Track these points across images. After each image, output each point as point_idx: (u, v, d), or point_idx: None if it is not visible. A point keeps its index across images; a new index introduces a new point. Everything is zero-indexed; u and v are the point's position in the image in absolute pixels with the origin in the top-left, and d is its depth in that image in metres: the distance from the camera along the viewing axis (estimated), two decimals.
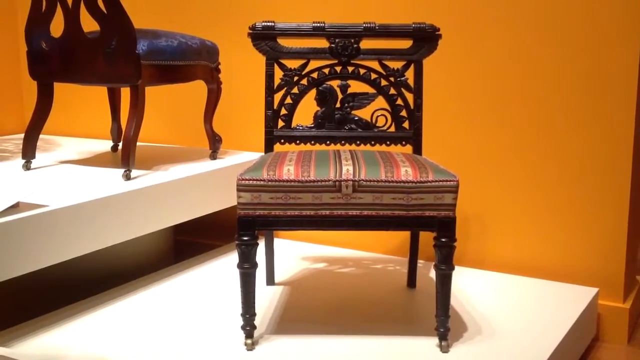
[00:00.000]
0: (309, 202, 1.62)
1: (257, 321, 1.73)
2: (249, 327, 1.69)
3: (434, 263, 1.68)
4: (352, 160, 1.68)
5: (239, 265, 1.66)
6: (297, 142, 1.94)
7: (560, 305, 2.00)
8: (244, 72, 2.61)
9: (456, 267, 1.71)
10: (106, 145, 2.76)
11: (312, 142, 1.94)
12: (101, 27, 2.08)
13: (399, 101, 1.94)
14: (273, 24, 1.91)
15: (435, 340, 1.71)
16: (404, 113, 1.94)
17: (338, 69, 1.93)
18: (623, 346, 2.13)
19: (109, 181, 2.08)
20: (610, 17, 2.06)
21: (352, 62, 1.93)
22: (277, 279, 2.16)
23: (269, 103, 1.93)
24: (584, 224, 2.17)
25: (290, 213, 1.63)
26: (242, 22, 2.44)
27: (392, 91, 1.94)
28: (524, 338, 1.78)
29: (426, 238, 1.89)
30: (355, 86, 1.94)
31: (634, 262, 2.29)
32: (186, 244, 2.71)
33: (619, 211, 2.11)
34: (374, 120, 1.94)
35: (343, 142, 1.94)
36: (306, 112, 1.96)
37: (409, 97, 1.94)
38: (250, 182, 1.62)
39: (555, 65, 2.15)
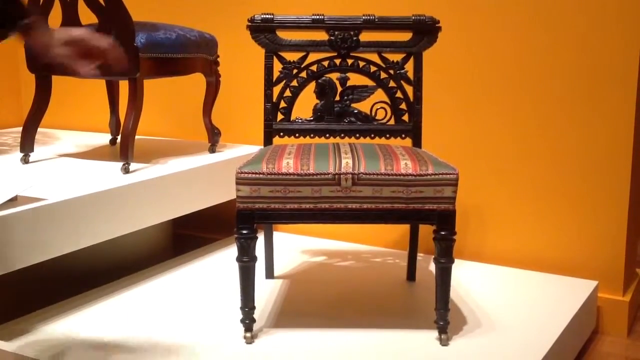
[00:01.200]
0: (308, 196, 1.62)
1: (257, 314, 1.73)
2: (248, 321, 1.69)
3: (433, 256, 1.68)
4: (351, 154, 1.68)
5: (238, 259, 1.66)
6: (297, 135, 1.94)
7: (560, 298, 2.00)
8: (242, 64, 2.60)
9: (456, 260, 1.71)
10: (105, 138, 2.75)
11: (312, 135, 1.94)
12: (99, 19, 2.07)
13: (399, 94, 1.93)
14: (272, 16, 1.90)
15: (434, 334, 1.71)
16: (403, 106, 1.93)
17: (337, 61, 1.92)
18: (623, 339, 2.13)
19: (108, 174, 2.07)
20: (611, 12, 2.05)
21: (351, 54, 1.92)
22: (276, 273, 2.15)
23: (268, 96, 1.92)
24: (583, 217, 2.16)
25: (290, 206, 1.63)
26: (241, 14, 2.42)
27: (392, 84, 1.93)
28: (523, 331, 1.78)
29: (426, 231, 1.89)
30: (355, 79, 1.93)
31: (634, 255, 2.29)
32: (185, 237, 2.70)
33: (618, 204, 2.11)
34: (373, 113, 1.93)
35: (342, 135, 1.94)
36: (305, 105, 1.95)
37: (409, 89, 1.93)
38: (250, 175, 1.61)
39: (556, 60, 2.14)
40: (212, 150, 2.44)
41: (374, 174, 1.61)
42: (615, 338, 2.13)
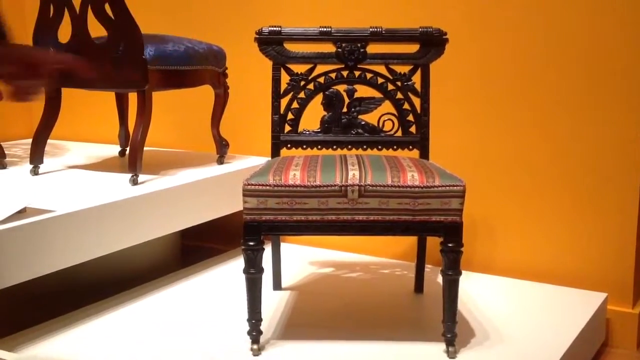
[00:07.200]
0: (315, 207, 1.62)
1: (264, 326, 1.73)
2: (255, 333, 1.69)
3: (441, 268, 1.67)
4: (358, 165, 1.68)
5: (245, 271, 1.66)
6: (304, 146, 1.94)
7: (569, 310, 1.99)
8: (250, 76, 2.62)
9: (464, 272, 1.70)
10: (114, 150, 2.77)
11: (319, 146, 1.94)
12: (108, 32, 2.09)
13: (406, 105, 1.93)
14: (280, 28, 1.91)
15: (442, 346, 1.70)
16: (410, 117, 1.93)
17: (345, 73, 1.93)
18: (632, 352, 2.11)
19: (116, 186, 2.08)
20: (615, 17, 2.04)
21: (358, 66, 1.92)
22: (283, 284, 2.15)
23: (275, 108, 1.93)
24: (592, 229, 2.15)
25: (296, 218, 1.63)
26: (248, 26, 2.44)
27: (399, 95, 1.93)
28: (532, 344, 1.77)
29: (434, 242, 1.88)
30: (362, 91, 1.94)
31: None
32: (193, 248, 2.71)
33: (627, 215, 2.10)
34: (380, 125, 1.94)
35: (350, 146, 1.94)
36: (313, 116, 1.96)
37: (416, 101, 1.93)
38: (256, 187, 1.62)
39: (562, 69, 2.14)
40: (220, 161, 2.45)
41: (380, 185, 1.61)
42: (625, 351, 2.12)
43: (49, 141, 2.31)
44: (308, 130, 1.94)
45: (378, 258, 2.46)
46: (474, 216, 2.30)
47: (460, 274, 1.66)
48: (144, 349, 1.71)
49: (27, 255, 1.68)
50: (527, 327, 1.87)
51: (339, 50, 1.91)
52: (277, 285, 2.12)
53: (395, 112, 1.94)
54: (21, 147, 2.84)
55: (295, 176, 1.63)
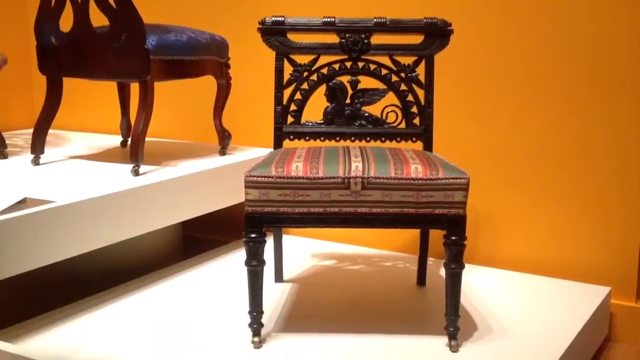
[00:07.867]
0: (318, 199, 1.61)
1: (265, 319, 1.72)
2: (256, 325, 1.68)
3: (444, 261, 1.66)
4: (361, 157, 1.67)
5: (247, 263, 1.65)
6: (307, 138, 1.93)
7: (572, 304, 1.98)
8: (253, 67, 2.60)
9: (467, 265, 1.70)
10: (115, 140, 2.76)
11: (322, 138, 1.93)
12: (110, 21, 2.07)
13: (410, 97, 1.92)
14: (283, 19, 1.89)
15: (444, 339, 1.70)
16: (414, 109, 1.92)
17: (348, 64, 1.91)
18: (636, 346, 2.11)
19: (118, 177, 2.07)
20: (623, 14, 2.03)
21: (362, 57, 1.91)
22: (285, 276, 2.14)
23: (278, 99, 1.92)
24: (596, 222, 2.14)
25: (299, 210, 1.62)
26: (251, 16, 2.42)
27: (403, 87, 1.92)
28: (534, 337, 1.76)
29: (437, 235, 1.87)
30: (366, 82, 1.92)
31: None
32: (195, 240, 2.70)
33: (631, 209, 2.09)
34: (384, 117, 1.92)
35: (353, 138, 1.93)
36: (316, 108, 1.95)
37: (420, 93, 1.92)
38: (258, 178, 1.60)
39: (567, 62, 2.12)
40: (223, 152, 2.44)
41: (383, 178, 1.60)
42: (629, 345, 2.11)
43: (50, 131, 2.30)
44: (311, 122, 1.92)
45: (380, 251, 2.45)
46: (478, 209, 2.29)
47: (463, 267, 1.65)
48: (144, 341, 1.71)
49: (27, 246, 1.67)
50: (530, 320, 1.86)
51: (343, 41, 1.90)
52: (278, 277, 2.11)
53: (399, 104, 1.92)
54: (22, 137, 2.84)
55: (297, 168, 1.61)
